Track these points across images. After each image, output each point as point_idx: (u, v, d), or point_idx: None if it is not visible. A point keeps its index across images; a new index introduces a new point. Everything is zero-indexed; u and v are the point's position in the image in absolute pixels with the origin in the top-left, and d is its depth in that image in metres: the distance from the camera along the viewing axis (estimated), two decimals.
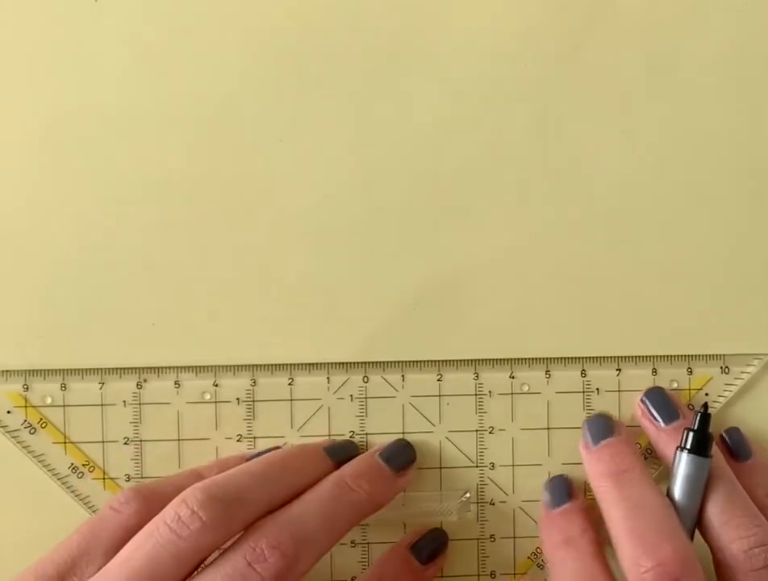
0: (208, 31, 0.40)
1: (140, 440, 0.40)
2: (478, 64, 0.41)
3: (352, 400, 0.40)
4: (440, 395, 0.41)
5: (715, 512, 0.36)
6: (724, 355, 0.41)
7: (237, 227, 0.40)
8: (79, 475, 0.40)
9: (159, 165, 0.40)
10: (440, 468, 0.41)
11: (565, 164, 0.41)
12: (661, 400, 0.40)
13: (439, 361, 0.40)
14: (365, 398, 0.40)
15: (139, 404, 0.40)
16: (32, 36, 0.40)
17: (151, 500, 0.34)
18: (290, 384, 0.40)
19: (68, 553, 0.34)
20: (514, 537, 0.41)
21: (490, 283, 0.41)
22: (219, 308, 0.40)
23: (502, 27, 0.41)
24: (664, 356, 0.41)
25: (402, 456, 0.39)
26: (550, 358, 0.41)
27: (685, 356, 0.41)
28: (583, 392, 0.41)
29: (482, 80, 0.41)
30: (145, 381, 0.40)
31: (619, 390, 0.41)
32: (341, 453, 0.39)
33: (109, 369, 0.39)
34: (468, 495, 0.40)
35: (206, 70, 0.40)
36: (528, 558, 0.41)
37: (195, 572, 0.32)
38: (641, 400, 0.40)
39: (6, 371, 0.39)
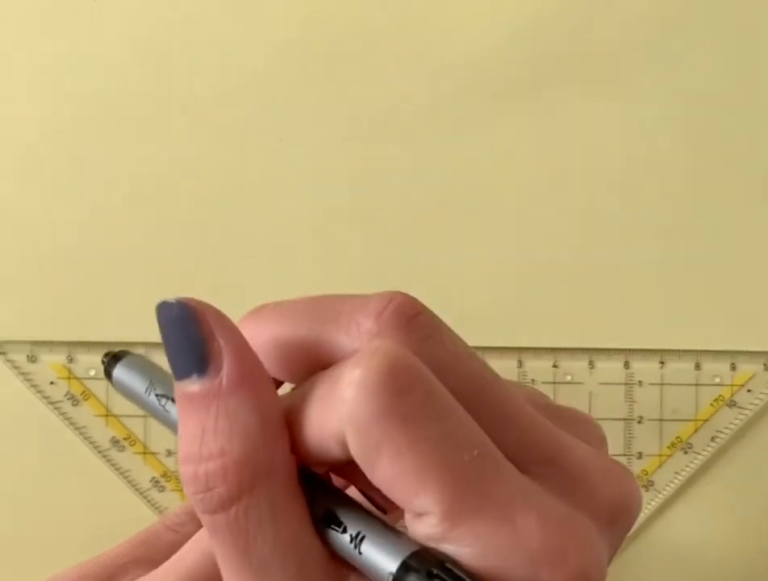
0: (208, 30, 0.40)
1: None
2: (478, 62, 0.40)
3: None
4: None
5: None
6: (767, 352, 0.41)
7: (236, 221, 0.40)
8: (120, 449, 0.40)
9: (163, 158, 0.40)
10: None
11: (575, 159, 0.41)
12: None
13: (483, 347, 0.40)
14: None
15: None
16: (31, 35, 0.40)
17: None
18: None
19: (119, 559, 0.33)
20: None
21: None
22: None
23: (501, 23, 0.40)
24: (707, 351, 0.41)
25: None
26: (594, 349, 0.41)
27: (728, 351, 0.41)
28: (626, 384, 0.41)
29: (482, 77, 0.40)
30: None
31: (661, 384, 0.41)
32: None
33: (153, 343, 0.39)
34: None
35: (206, 70, 0.40)
36: None
37: None
38: None
39: (51, 342, 0.39)
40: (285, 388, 0.24)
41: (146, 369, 0.25)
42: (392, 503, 0.22)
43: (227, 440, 0.21)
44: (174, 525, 0.34)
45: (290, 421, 0.22)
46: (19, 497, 0.40)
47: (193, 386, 0.21)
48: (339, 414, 0.21)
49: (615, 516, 0.23)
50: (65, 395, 0.40)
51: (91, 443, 0.40)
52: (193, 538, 0.32)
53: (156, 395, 0.24)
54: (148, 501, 0.40)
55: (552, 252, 0.41)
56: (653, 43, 0.40)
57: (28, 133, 0.40)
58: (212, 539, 0.22)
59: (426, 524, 0.20)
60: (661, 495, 0.41)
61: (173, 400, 0.23)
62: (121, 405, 0.40)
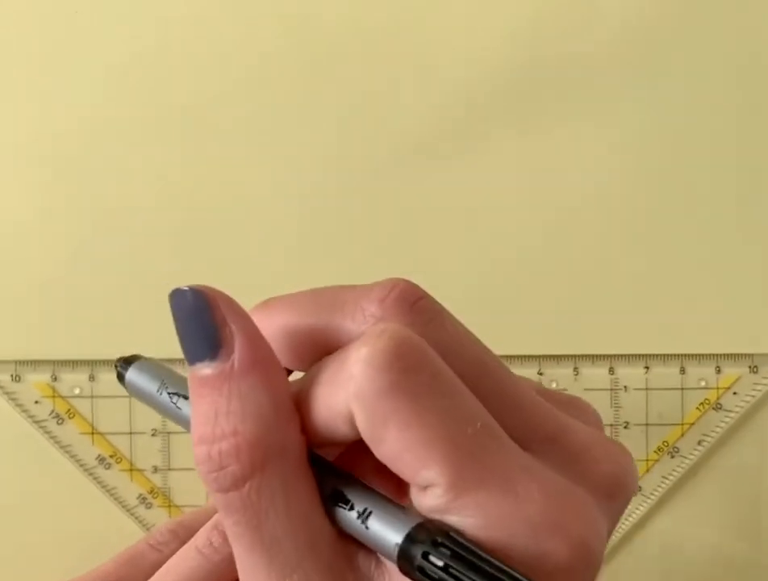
0: (206, 31, 0.40)
1: (168, 432, 0.40)
2: (479, 64, 0.40)
3: None
4: None
5: None
6: (752, 354, 0.41)
7: (232, 223, 0.40)
8: (106, 466, 0.40)
9: (154, 165, 0.40)
10: None
11: (572, 163, 0.41)
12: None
13: None
14: None
15: None
16: (30, 36, 0.40)
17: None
18: None
19: (105, 577, 0.33)
20: None
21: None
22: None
23: (493, 28, 0.40)
24: (692, 354, 0.41)
25: None
26: (578, 355, 0.41)
27: (713, 355, 0.41)
28: (611, 390, 0.41)
29: (481, 78, 0.40)
30: None
31: (647, 389, 0.41)
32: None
33: None
34: None
35: (203, 71, 0.40)
36: None
37: None
38: None
39: (35, 361, 0.39)
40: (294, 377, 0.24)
41: (157, 370, 0.26)
42: (391, 488, 0.23)
43: (239, 420, 0.22)
44: (158, 544, 0.34)
45: (299, 403, 0.23)
46: (5, 516, 0.39)
47: (205, 369, 0.22)
48: (346, 391, 0.21)
49: (613, 491, 0.23)
50: (50, 414, 0.39)
51: (77, 461, 0.39)
52: (176, 555, 0.32)
53: (169, 394, 0.25)
54: (136, 518, 0.40)
55: (535, 259, 0.41)
56: (646, 56, 0.41)
57: (14, 149, 0.40)
58: (225, 519, 0.22)
59: (431, 495, 0.21)
60: (649, 500, 0.41)
61: (184, 397, 0.24)
62: (106, 423, 0.40)
